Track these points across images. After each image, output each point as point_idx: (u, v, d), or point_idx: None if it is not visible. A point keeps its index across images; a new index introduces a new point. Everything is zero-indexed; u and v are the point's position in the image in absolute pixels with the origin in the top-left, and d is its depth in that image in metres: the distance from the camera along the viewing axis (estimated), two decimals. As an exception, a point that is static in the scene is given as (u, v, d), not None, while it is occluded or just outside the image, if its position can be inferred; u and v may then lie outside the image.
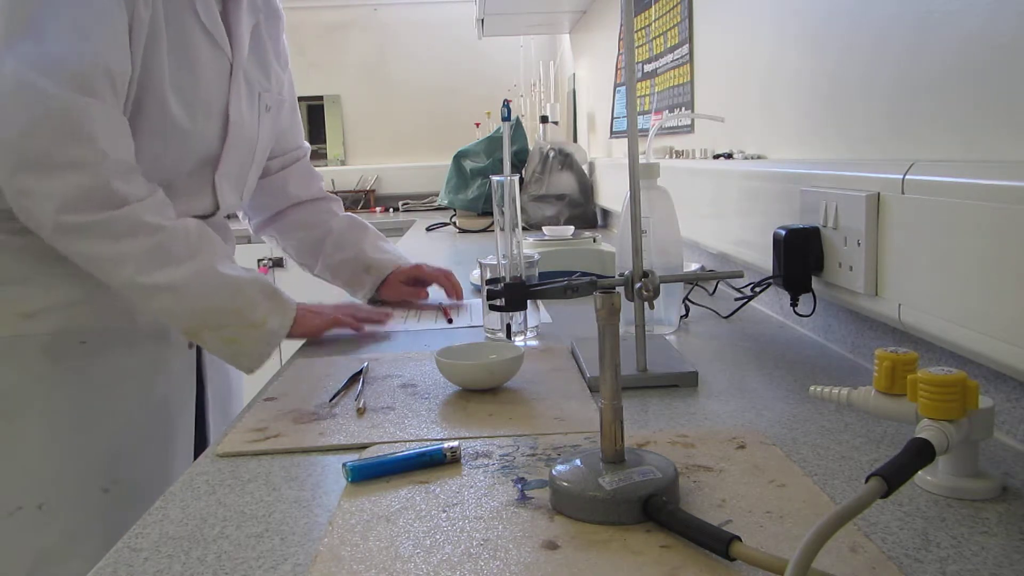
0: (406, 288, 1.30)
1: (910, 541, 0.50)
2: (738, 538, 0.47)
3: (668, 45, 1.78)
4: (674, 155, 1.74)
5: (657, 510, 0.52)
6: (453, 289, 1.29)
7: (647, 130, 1.80)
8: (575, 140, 3.26)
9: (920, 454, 0.50)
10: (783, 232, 0.95)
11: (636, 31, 2.03)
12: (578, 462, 0.58)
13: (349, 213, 1.40)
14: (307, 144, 1.40)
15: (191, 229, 0.97)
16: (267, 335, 0.99)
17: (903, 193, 0.76)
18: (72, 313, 1.01)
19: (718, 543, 0.47)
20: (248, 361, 0.99)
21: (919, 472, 0.54)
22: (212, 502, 0.60)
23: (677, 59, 1.72)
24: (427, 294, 1.32)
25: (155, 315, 0.98)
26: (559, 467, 0.58)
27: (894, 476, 0.47)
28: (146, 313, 1.02)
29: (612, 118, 2.51)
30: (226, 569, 0.50)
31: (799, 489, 0.57)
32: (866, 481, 0.46)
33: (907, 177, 0.75)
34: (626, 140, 0.88)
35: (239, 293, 0.98)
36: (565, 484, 0.55)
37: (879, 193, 0.80)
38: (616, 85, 2.43)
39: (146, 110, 0.98)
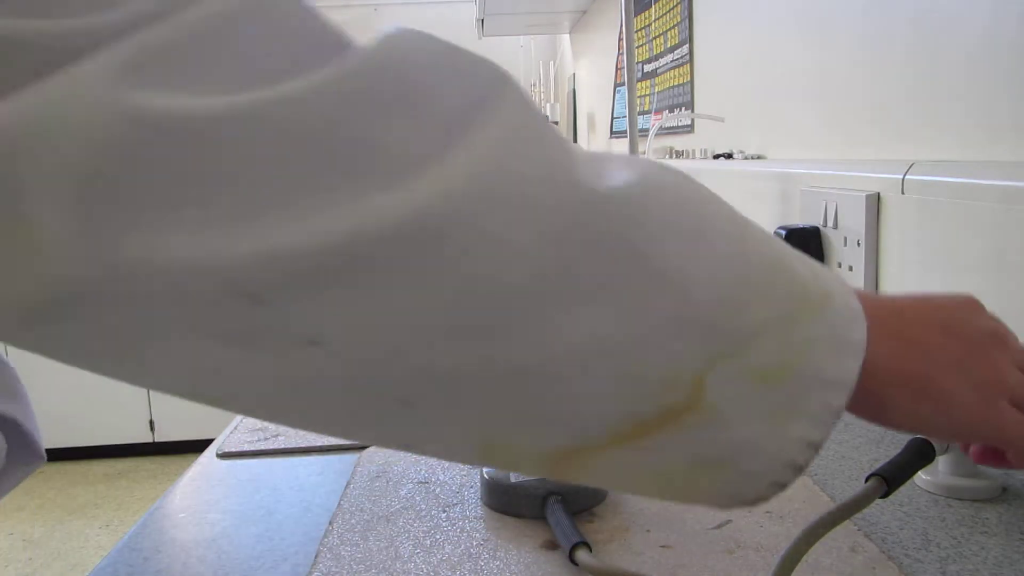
0: None
1: (910, 541, 0.50)
2: (585, 543, 0.47)
3: (668, 45, 1.78)
4: (674, 155, 1.74)
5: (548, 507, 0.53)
6: None
7: (647, 130, 1.80)
8: (575, 140, 3.26)
9: (920, 454, 0.50)
10: (783, 232, 0.95)
11: (636, 31, 2.03)
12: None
13: None
14: None
15: None
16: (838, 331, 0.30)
17: (903, 193, 0.76)
18: None
19: (566, 545, 0.48)
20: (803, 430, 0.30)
21: (919, 472, 0.54)
22: (212, 502, 0.60)
23: (677, 59, 1.72)
24: None
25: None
26: None
27: (894, 476, 0.46)
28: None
29: (612, 118, 2.51)
30: (226, 569, 0.50)
31: (799, 489, 0.57)
32: (866, 481, 0.46)
33: (907, 177, 0.75)
34: (626, 140, 0.88)
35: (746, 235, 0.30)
36: (487, 476, 0.57)
37: (879, 193, 0.80)
38: (616, 85, 2.43)
39: None
